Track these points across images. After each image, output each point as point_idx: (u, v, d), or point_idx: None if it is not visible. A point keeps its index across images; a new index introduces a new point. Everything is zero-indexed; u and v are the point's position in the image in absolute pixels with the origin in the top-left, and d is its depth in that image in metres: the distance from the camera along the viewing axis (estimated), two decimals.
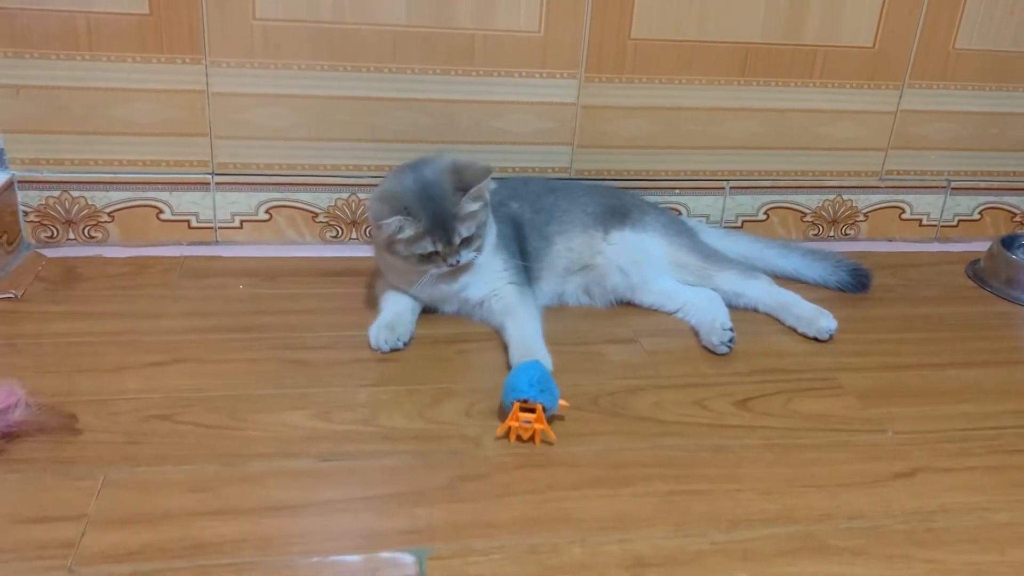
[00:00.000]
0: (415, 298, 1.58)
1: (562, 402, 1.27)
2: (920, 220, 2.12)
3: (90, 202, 1.75)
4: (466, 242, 1.47)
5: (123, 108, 1.69)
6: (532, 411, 1.23)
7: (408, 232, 1.44)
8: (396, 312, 1.53)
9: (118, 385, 1.32)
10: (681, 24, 1.82)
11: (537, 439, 1.24)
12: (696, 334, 1.59)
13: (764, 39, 1.86)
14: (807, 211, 2.05)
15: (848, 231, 2.09)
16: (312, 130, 1.77)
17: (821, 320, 1.60)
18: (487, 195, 1.49)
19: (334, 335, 1.51)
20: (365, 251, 1.84)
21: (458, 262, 1.47)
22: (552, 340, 1.53)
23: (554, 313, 1.65)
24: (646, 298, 1.68)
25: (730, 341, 1.53)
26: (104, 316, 1.52)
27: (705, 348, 1.55)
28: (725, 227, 2.00)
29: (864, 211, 2.08)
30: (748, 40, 1.86)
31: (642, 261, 1.67)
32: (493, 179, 1.49)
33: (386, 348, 1.46)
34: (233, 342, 1.46)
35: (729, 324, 1.54)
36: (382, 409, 1.31)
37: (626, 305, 1.69)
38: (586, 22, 1.78)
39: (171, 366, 1.38)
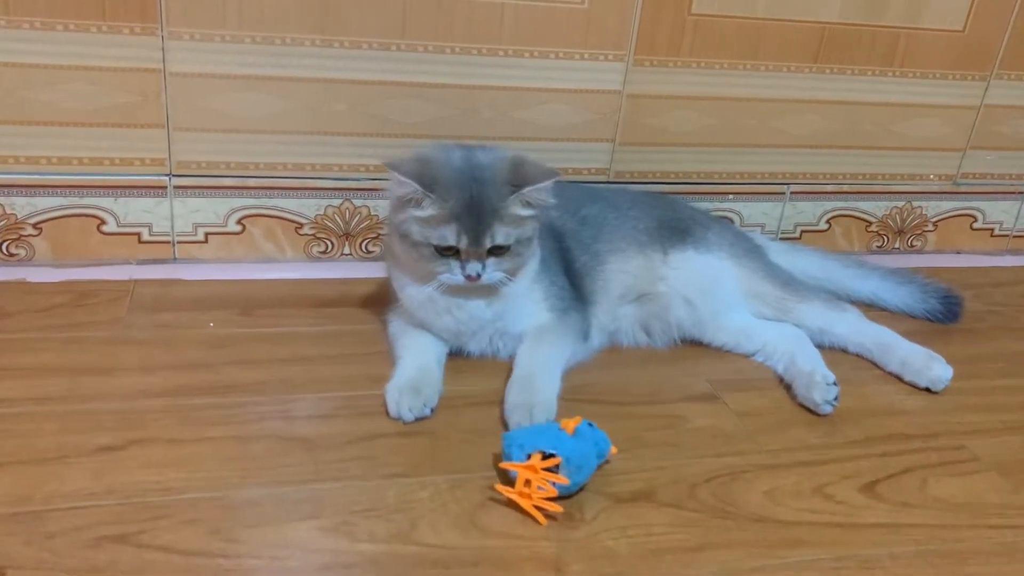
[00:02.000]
0: (439, 338, 1.25)
1: (613, 448, 1.06)
2: (992, 229, 1.86)
3: (9, 210, 1.35)
4: (498, 253, 1.15)
5: (53, 91, 1.29)
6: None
7: (430, 210, 1.11)
8: (419, 367, 1.19)
9: (56, 484, 0.96)
10: None
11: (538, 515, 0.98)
12: (787, 386, 1.29)
13: (842, 18, 1.56)
14: (873, 220, 1.77)
15: (915, 242, 1.82)
16: (298, 121, 1.41)
17: (935, 367, 1.32)
18: (544, 205, 1.17)
19: (341, 396, 1.17)
20: (362, 271, 1.49)
21: (478, 276, 1.14)
22: (614, 398, 1.23)
23: (608, 359, 1.33)
24: (717, 336, 1.38)
25: (835, 399, 1.23)
26: (35, 373, 1.14)
27: (802, 405, 1.25)
28: (783, 239, 1.71)
29: (934, 220, 1.81)
30: (825, 19, 1.55)
31: (711, 290, 1.36)
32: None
33: (410, 418, 1.12)
34: (207, 410, 1.11)
35: (831, 376, 1.24)
36: (422, 515, 0.98)
37: (691, 344, 1.39)
38: None
39: (128, 450, 1.02)
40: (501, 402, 1.15)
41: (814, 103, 1.62)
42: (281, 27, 1.33)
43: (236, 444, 1.06)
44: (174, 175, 1.40)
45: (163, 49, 1.31)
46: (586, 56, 1.47)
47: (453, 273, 1.14)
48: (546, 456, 0.98)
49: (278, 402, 1.14)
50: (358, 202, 1.48)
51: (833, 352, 1.39)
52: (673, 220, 1.41)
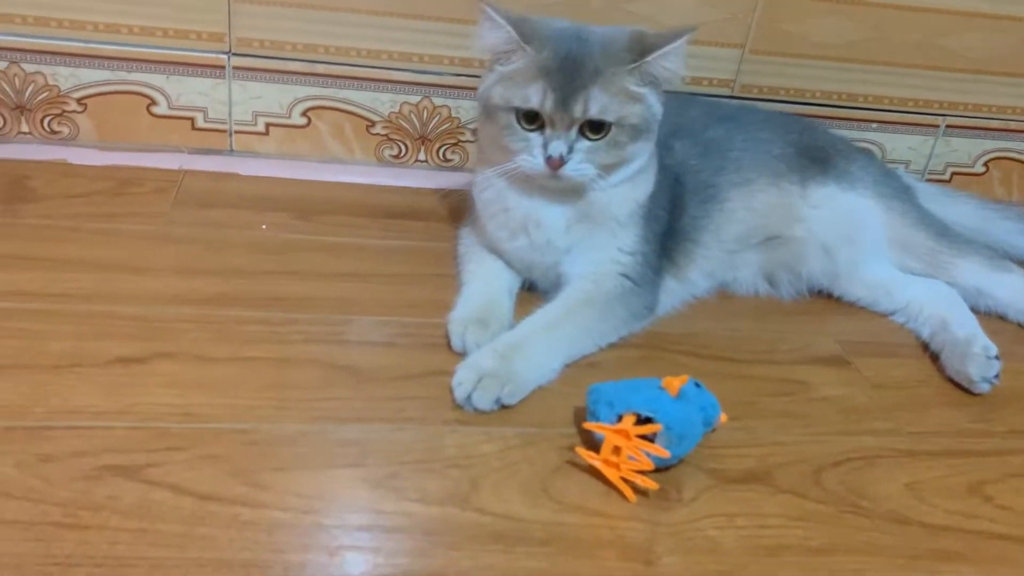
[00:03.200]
0: (510, 266, 1.06)
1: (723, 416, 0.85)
2: None
3: (51, 81, 1.20)
4: (592, 135, 0.93)
5: None
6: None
7: (518, 64, 0.91)
8: (487, 296, 1.01)
9: (62, 397, 0.81)
10: None
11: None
12: (934, 355, 1.07)
13: None
14: None
15: None
16: None
17: None
18: (672, 78, 0.94)
19: (401, 322, 1.00)
20: (437, 180, 1.31)
21: (561, 160, 0.92)
22: (724, 353, 1.02)
23: (718, 307, 1.13)
24: (852, 289, 1.16)
25: (996, 376, 1.01)
26: (60, 265, 1.00)
27: (951, 380, 1.03)
28: (929, 181, 1.45)
29: None
30: None
31: (855, 237, 1.14)
32: None
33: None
34: (248, 325, 0.95)
35: (994, 349, 1.01)
36: (485, 475, 0.80)
37: (819, 296, 1.17)
38: None
39: (149, 365, 0.87)
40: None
41: (994, 17, 1.33)
42: None
43: (275, 368, 0.90)
44: (234, 53, 1.22)
45: None
46: None
47: (532, 154, 0.93)
48: (641, 420, 0.80)
49: (328, 322, 0.98)
50: (438, 100, 1.29)
51: (989, 319, 1.15)
52: (812, 147, 1.18)
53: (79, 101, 1.22)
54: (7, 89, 1.20)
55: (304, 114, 1.28)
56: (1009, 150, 1.47)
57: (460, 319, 0.96)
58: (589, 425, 0.82)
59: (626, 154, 0.96)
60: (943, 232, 1.17)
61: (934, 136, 1.43)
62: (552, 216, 0.99)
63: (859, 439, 0.92)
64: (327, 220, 1.19)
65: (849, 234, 1.13)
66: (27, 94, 1.20)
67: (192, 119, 1.26)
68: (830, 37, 1.32)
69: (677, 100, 1.21)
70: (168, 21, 1.19)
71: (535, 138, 0.93)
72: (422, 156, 1.33)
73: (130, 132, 1.25)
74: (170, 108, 1.24)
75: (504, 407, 0.88)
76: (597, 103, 0.91)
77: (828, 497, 0.83)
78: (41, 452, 0.75)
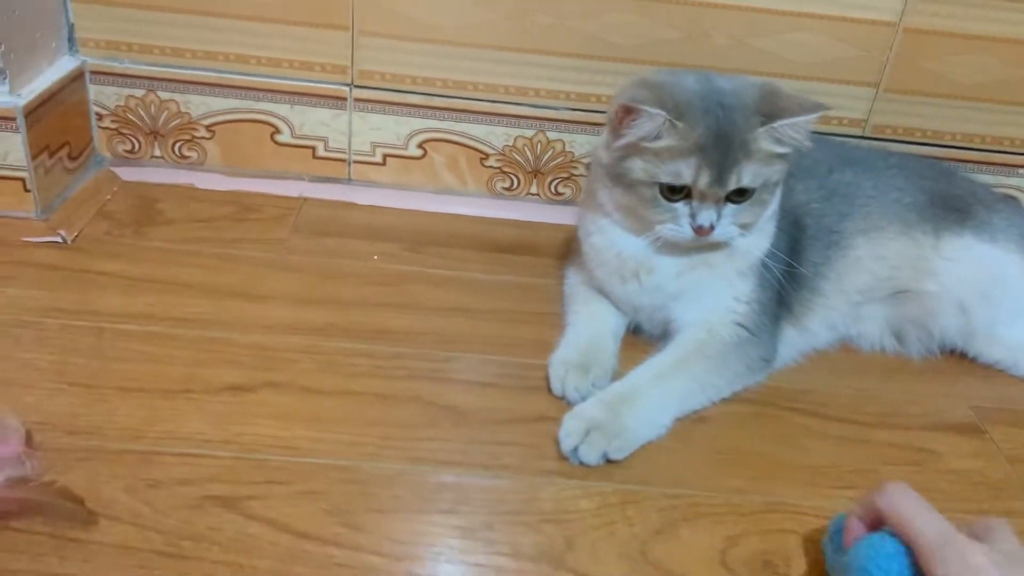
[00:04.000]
0: (618, 308, 1.03)
1: None
2: None
3: (183, 108, 1.26)
4: (737, 199, 0.90)
5: None
6: None
7: (668, 140, 0.87)
8: (590, 338, 0.98)
9: (172, 423, 0.84)
10: None
11: None
12: None
13: None
14: None
15: None
16: (496, 34, 1.21)
17: None
18: (799, 145, 0.90)
19: (504, 361, 0.98)
20: (548, 214, 1.29)
21: (711, 228, 0.89)
22: (843, 414, 0.97)
23: (840, 362, 1.06)
24: (991, 350, 1.07)
25: None
26: (181, 289, 1.04)
27: None
28: None
29: None
30: None
31: (994, 294, 1.05)
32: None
33: (575, 398, 0.92)
34: (355, 356, 0.96)
35: None
36: (580, 533, 0.78)
37: (953, 356, 1.09)
38: None
39: (257, 394, 0.89)
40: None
41: None
42: None
43: (378, 404, 0.90)
44: (355, 85, 1.24)
45: None
46: None
47: (679, 224, 0.90)
48: None
49: (432, 359, 0.97)
50: (552, 135, 1.28)
51: None
52: (949, 195, 1.10)
53: (208, 128, 1.27)
54: (143, 115, 1.26)
55: (420, 146, 1.29)
56: None
57: (561, 362, 0.94)
58: None
59: (766, 207, 0.94)
60: None
61: None
62: (665, 262, 0.96)
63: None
64: (437, 252, 1.19)
65: (987, 290, 1.04)
66: (160, 120, 1.26)
67: (313, 148, 1.29)
68: (973, 76, 1.23)
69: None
70: (294, 53, 1.22)
71: (682, 208, 0.90)
72: (534, 189, 1.32)
73: (254, 159, 1.28)
74: (293, 137, 1.28)
75: (610, 462, 0.86)
76: (748, 174, 0.88)
77: None
78: (150, 478, 0.77)
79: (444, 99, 1.25)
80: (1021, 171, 1.31)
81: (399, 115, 1.26)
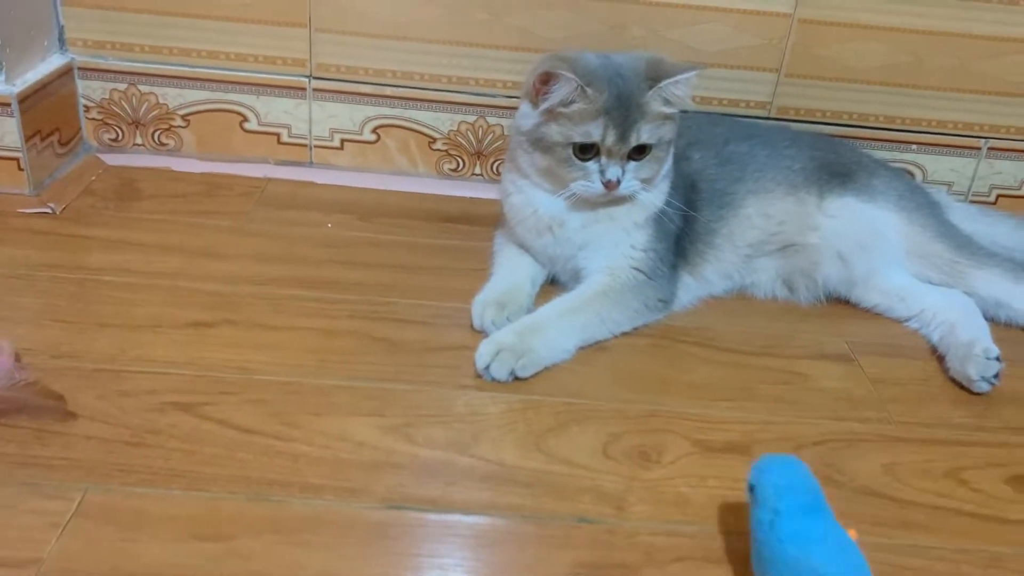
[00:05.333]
0: (536, 260, 1.17)
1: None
2: None
3: (161, 100, 1.41)
4: (639, 155, 1.06)
5: None
6: None
7: (580, 104, 1.02)
8: (510, 283, 1.13)
9: (142, 349, 0.98)
10: None
11: None
12: (940, 357, 1.11)
13: None
14: None
15: None
16: (439, 29, 1.36)
17: None
18: (681, 106, 1.07)
19: (435, 305, 1.12)
20: (491, 191, 1.43)
21: (617, 182, 1.04)
22: (730, 345, 1.10)
23: (735, 306, 1.21)
24: (869, 297, 1.21)
25: (995, 376, 1.05)
26: (154, 249, 1.18)
27: (955, 381, 1.07)
28: (973, 202, 1.48)
29: None
30: None
31: (870, 246, 1.19)
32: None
33: (492, 331, 1.06)
34: (303, 301, 1.10)
35: (995, 351, 1.06)
36: (485, 429, 0.92)
37: (838, 302, 1.23)
38: None
39: (216, 329, 1.03)
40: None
41: None
42: None
43: (321, 336, 1.04)
44: (314, 77, 1.40)
45: None
46: None
47: (590, 179, 1.05)
48: None
49: (372, 303, 1.11)
50: (492, 120, 1.43)
51: (1010, 330, 1.18)
52: (836, 163, 1.25)
53: (183, 117, 1.42)
54: (125, 107, 1.41)
55: (374, 131, 1.44)
56: None
57: (481, 301, 1.09)
58: None
59: (661, 164, 1.09)
60: (963, 244, 1.21)
61: (976, 158, 1.47)
62: (574, 217, 1.11)
63: (846, 424, 0.98)
64: (386, 221, 1.33)
65: (865, 242, 1.19)
66: (142, 111, 1.41)
67: (278, 134, 1.44)
68: (865, 61, 1.39)
69: (706, 118, 1.32)
70: (259, 49, 1.37)
71: (592, 166, 1.05)
72: (478, 170, 1.47)
73: (225, 145, 1.43)
74: (259, 124, 1.43)
75: (518, 379, 1.00)
76: (645, 131, 1.04)
77: None
78: (120, 389, 0.92)
79: (394, 88, 1.41)
80: (913, 147, 1.45)
81: (354, 103, 1.42)
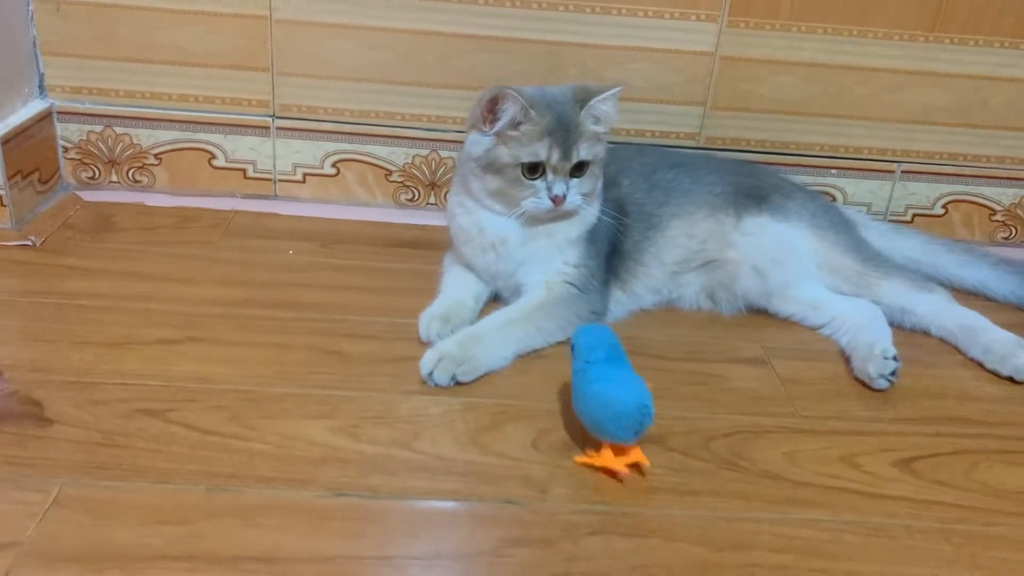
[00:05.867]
0: (481, 279, 1.28)
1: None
2: None
3: (135, 141, 1.52)
4: (579, 171, 1.18)
5: (174, 32, 1.44)
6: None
7: (526, 126, 1.15)
8: (455, 299, 1.24)
9: (114, 364, 1.07)
10: None
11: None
12: (847, 359, 1.23)
13: None
14: (998, 208, 1.63)
15: None
16: (391, 71, 1.48)
17: (1021, 355, 1.21)
18: (608, 123, 1.20)
19: (387, 322, 1.23)
20: (444, 219, 1.54)
21: (563, 197, 1.16)
22: (656, 351, 1.21)
23: (664, 317, 1.32)
24: (785, 307, 1.32)
25: (892, 374, 1.16)
26: (127, 276, 1.28)
27: (858, 380, 1.18)
28: (891, 221, 1.60)
29: None
30: None
31: (784, 260, 1.31)
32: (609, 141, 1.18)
33: (437, 342, 1.16)
34: (263, 320, 1.20)
35: (892, 351, 1.17)
36: (426, 428, 1.02)
37: (758, 313, 1.34)
38: None
39: (182, 345, 1.13)
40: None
41: (932, 75, 1.51)
42: None
43: (278, 350, 1.14)
44: (277, 116, 1.51)
45: None
46: (677, 15, 1.45)
47: (539, 197, 1.17)
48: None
49: (328, 320, 1.21)
50: (444, 153, 1.54)
51: (913, 334, 1.30)
52: (753, 187, 1.37)
53: (156, 156, 1.53)
54: (102, 147, 1.52)
55: (334, 165, 1.55)
56: (966, 194, 1.61)
57: (428, 315, 1.19)
58: (585, 461, 0.97)
59: (596, 180, 1.22)
60: (871, 258, 1.33)
61: (891, 181, 1.60)
62: (515, 234, 1.22)
63: (754, 418, 1.09)
64: (346, 248, 1.44)
65: (778, 258, 1.30)
66: (117, 151, 1.52)
67: (244, 170, 1.55)
68: (782, 94, 1.52)
69: (636, 149, 1.44)
70: (225, 91, 1.49)
71: (540, 184, 1.17)
72: (432, 200, 1.58)
73: (195, 180, 1.54)
74: (227, 161, 1.54)
75: (460, 384, 1.10)
76: (584, 149, 1.17)
77: (711, 457, 1.01)
78: (94, 398, 1.01)
79: (352, 125, 1.52)
80: (833, 172, 1.58)
81: (315, 140, 1.53)
